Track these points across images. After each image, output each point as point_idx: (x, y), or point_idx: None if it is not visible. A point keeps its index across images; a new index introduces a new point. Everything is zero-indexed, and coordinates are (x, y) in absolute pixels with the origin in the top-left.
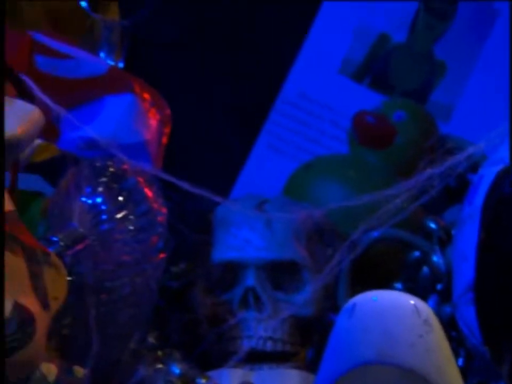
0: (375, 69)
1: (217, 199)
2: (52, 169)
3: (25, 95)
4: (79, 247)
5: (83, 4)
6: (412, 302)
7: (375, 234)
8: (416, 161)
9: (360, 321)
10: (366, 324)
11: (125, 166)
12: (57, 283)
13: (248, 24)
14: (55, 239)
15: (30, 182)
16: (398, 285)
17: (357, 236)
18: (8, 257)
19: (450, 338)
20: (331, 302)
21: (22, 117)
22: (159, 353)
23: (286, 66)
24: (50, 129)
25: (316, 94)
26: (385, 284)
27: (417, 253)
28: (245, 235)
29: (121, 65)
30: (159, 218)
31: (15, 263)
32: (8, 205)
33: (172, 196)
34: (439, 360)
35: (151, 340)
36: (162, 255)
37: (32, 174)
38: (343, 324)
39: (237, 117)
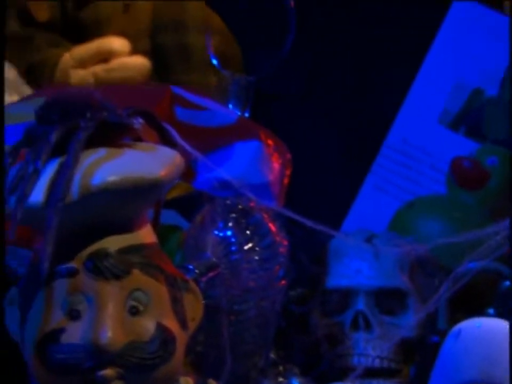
0: (470, 119)
1: (332, 232)
2: (185, 205)
3: (167, 142)
4: (212, 274)
5: (214, 61)
6: None
7: (472, 265)
8: (507, 202)
9: (465, 345)
10: (471, 348)
11: (252, 204)
12: (194, 306)
13: (359, 78)
14: (191, 267)
15: (166, 217)
16: (491, 311)
17: (460, 269)
18: (153, 284)
19: None
20: (432, 326)
21: (165, 162)
22: (281, 368)
23: (391, 116)
24: (188, 171)
25: (417, 141)
26: (479, 310)
27: (508, 283)
28: (356, 265)
29: (247, 115)
30: (281, 249)
31: (158, 289)
32: (152, 238)
33: (292, 230)
34: None
35: (273, 356)
36: (283, 282)
37: (167, 209)
38: (450, 347)
39: (347, 160)
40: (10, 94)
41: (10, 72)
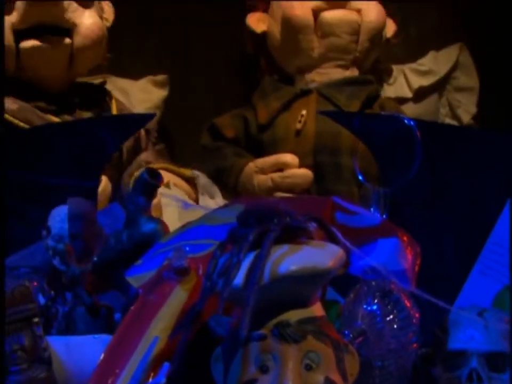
0: None
1: (452, 308)
2: (339, 284)
3: (332, 239)
4: (362, 338)
5: (360, 177)
6: None
7: None
8: None
9: None
10: None
11: (392, 285)
12: (352, 364)
13: (470, 191)
14: (347, 332)
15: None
16: None
17: None
18: (322, 347)
19: None
20: None
21: (332, 255)
22: None
23: (494, 219)
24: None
25: None
26: None
27: None
28: (470, 333)
29: (385, 217)
30: (414, 320)
31: (327, 351)
32: (321, 311)
33: (422, 305)
34: None
35: None
36: (415, 345)
37: None
38: None
39: (460, 253)
40: (202, 194)
41: (202, 178)
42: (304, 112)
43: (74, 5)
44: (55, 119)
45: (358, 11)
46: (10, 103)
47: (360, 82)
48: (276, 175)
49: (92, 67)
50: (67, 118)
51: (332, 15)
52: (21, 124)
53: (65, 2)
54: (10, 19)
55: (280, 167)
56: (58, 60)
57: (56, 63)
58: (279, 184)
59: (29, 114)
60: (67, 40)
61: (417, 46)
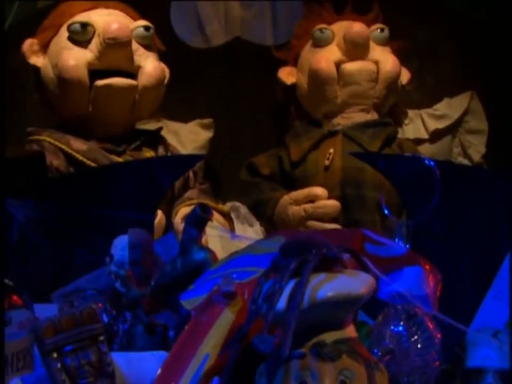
0: None
1: (469, 330)
2: (368, 307)
3: (364, 268)
4: (389, 357)
5: (385, 211)
6: None
7: None
8: None
9: None
10: None
11: (416, 309)
12: (382, 380)
13: (484, 218)
14: (376, 351)
15: None
16: None
17: None
18: (355, 365)
19: None
20: None
21: (364, 282)
22: None
23: (505, 251)
24: None
25: None
26: None
27: None
28: (485, 352)
29: (408, 247)
30: (436, 340)
31: (359, 369)
32: (354, 333)
33: (444, 326)
34: None
35: None
36: (437, 363)
37: None
38: None
39: (476, 280)
40: (243, 223)
41: (243, 209)
42: (331, 150)
43: (141, 49)
44: (119, 160)
45: (376, 62)
46: (81, 144)
47: (380, 124)
48: (308, 206)
49: (152, 110)
50: (129, 159)
51: (351, 65)
52: (89, 163)
53: (134, 46)
54: (86, 57)
55: (312, 199)
56: (125, 99)
57: (124, 102)
58: (310, 214)
59: (97, 155)
60: (134, 82)
61: (433, 93)
